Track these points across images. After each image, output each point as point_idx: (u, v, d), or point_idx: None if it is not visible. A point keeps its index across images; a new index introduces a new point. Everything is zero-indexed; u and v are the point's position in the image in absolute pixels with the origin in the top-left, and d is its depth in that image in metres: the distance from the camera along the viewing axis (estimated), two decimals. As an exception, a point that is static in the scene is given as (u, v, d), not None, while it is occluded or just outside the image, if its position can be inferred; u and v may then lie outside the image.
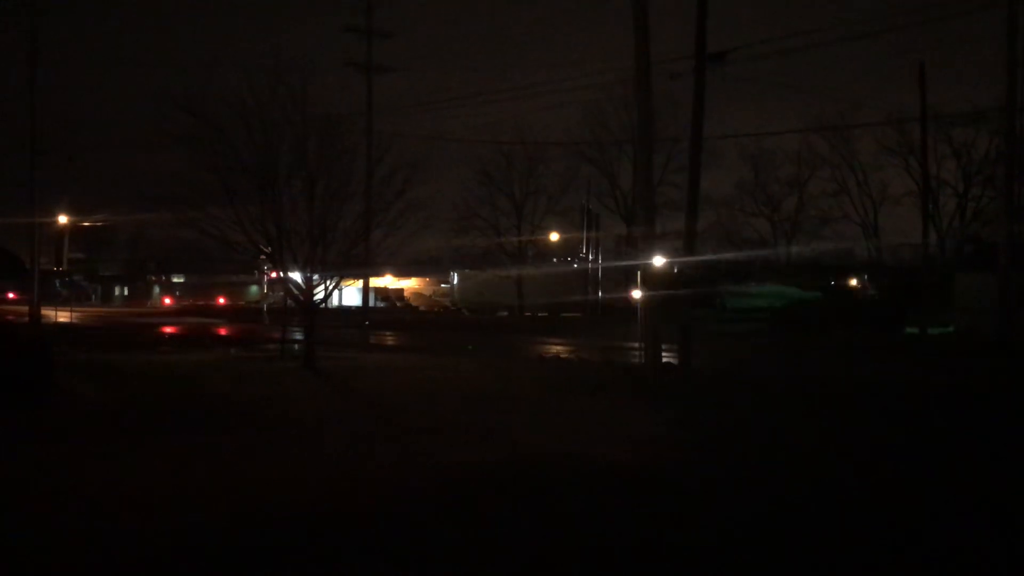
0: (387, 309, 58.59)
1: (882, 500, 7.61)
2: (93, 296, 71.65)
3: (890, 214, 49.52)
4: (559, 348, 25.01)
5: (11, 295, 55.73)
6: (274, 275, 23.87)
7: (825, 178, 52.68)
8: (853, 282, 49.20)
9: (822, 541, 6.43)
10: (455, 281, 56.37)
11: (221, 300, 59.35)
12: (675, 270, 22.77)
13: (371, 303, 47.09)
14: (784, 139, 62.41)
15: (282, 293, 23.75)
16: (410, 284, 65.82)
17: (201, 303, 57.67)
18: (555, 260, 53.48)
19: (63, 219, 50.82)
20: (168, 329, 34.04)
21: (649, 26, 19.24)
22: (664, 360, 18.11)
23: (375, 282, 51.51)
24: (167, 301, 67.36)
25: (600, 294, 49.01)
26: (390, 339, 28.61)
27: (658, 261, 19.41)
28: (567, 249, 54.87)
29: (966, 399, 14.24)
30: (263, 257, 21.15)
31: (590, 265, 50.25)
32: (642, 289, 18.81)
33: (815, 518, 7.04)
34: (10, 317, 23.08)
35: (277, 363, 20.12)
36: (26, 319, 27.75)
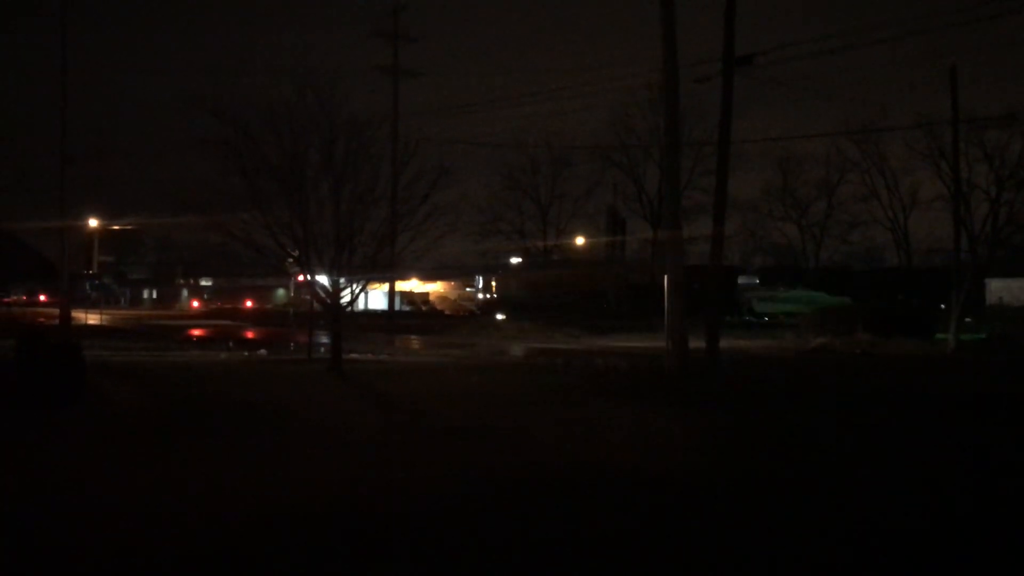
0: (412, 313, 58.74)
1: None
2: (122, 299, 72.44)
3: (921, 219, 49.07)
4: (587, 346, 24.96)
5: (42, 297, 56.38)
6: (301, 279, 24.00)
7: (854, 182, 52.20)
8: (883, 287, 48.70)
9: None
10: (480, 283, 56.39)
11: (248, 303, 59.77)
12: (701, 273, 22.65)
13: (397, 307, 47.22)
14: (813, 143, 62.02)
15: (309, 296, 23.85)
16: (435, 288, 65.96)
17: (229, 307, 58.10)
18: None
19: (93, 223, 51.45)
20: (196, 332, 34.31)
21: (676, 29, 19.20)
22: (690, 361, 18.05)
23: (401, 286, 51.65)
24: (195, 304, 67.96)
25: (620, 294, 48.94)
26: (416, 342, 28.65)
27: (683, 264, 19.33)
28: (592, 253, 54.74)
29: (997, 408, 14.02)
30: (290, 261, 21.26)
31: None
32: (668, 293, 18.71)
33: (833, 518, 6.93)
34: (41, 319, 23.33)
35: (304, 366, 20.20)
36: (56, 321, 28.03)
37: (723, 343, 20.14)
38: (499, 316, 44.59)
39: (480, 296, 57.24)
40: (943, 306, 30.49)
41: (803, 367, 20.23)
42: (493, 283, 56.13)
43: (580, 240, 54.37)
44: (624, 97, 64.20)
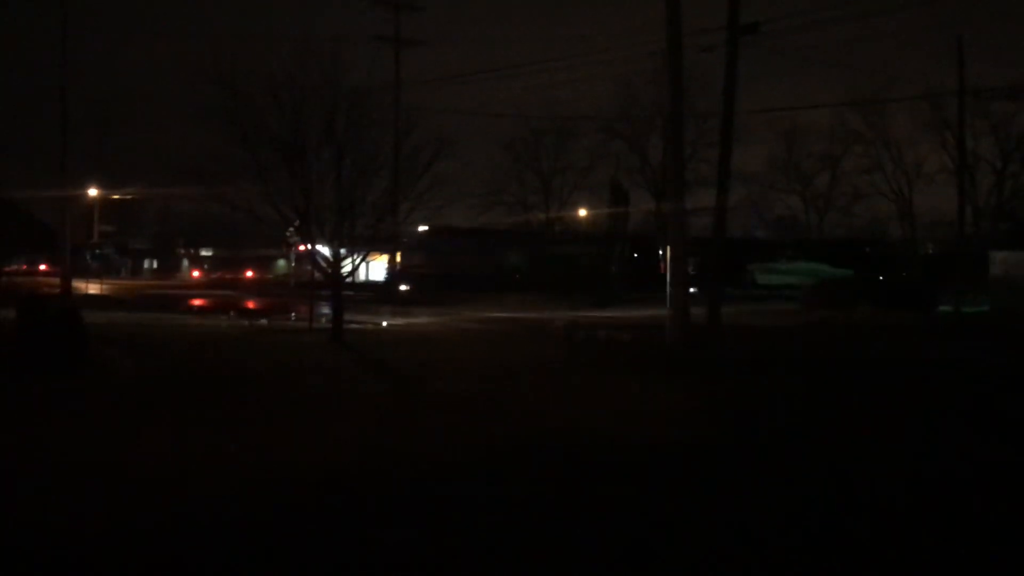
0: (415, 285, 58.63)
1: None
2: (123, 269, 72.36)
3: (925, 191, 48.59)
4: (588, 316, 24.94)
5: (43, 267, 56.22)
6: (302, 249, 23.94)
7: (859, 154, 51.84)
8: (886, 260, 48.58)
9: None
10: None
11: (249, 274, 59.73)
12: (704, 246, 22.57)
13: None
14: (817, 114, 61.67)
15: (310, 267, 23.80)
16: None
17: (230, 277, 58.05)
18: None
19: (93, 192, 51.27)
20: (198, 302, 34.30)
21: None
22: (692, 332, 18.05)
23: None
24: (196, 274, 67.92)
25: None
26: (418, 313, 28.62)
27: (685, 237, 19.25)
28: (596, 225, 54.53)
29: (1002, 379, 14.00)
30: (291, 231, 21.21)
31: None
32: (671, 264, 18.65)
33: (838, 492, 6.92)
34: (42, 289, 23.30)
35: (305, 336, 20.19)
36: (57, 291, 28.01)
37: (725, 314, 20.12)
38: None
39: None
40: (947, 279, 30.42)
41: (803, 338, 20.22)
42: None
43: (583, 212, 54.16)
44: (628, 67, 63.70)
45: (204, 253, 72.68)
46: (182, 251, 75.16)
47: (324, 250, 19.74)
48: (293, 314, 26.21)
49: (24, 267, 56.76)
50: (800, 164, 54.68)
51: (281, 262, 59.47)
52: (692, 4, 19.61)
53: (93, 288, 36.09)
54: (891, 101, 46.26)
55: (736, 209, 42.86)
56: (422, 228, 36.97)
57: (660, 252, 20.25)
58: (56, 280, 29.53)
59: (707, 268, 20.89)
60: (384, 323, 24.90)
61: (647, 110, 47.96)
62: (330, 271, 19.50)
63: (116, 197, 55.25)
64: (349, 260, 19.63)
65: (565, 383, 13.14)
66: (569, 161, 52.64)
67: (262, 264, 61.07)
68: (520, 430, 9.39)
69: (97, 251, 49.71)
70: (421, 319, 26.01)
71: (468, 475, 7.54)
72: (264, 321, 23.92)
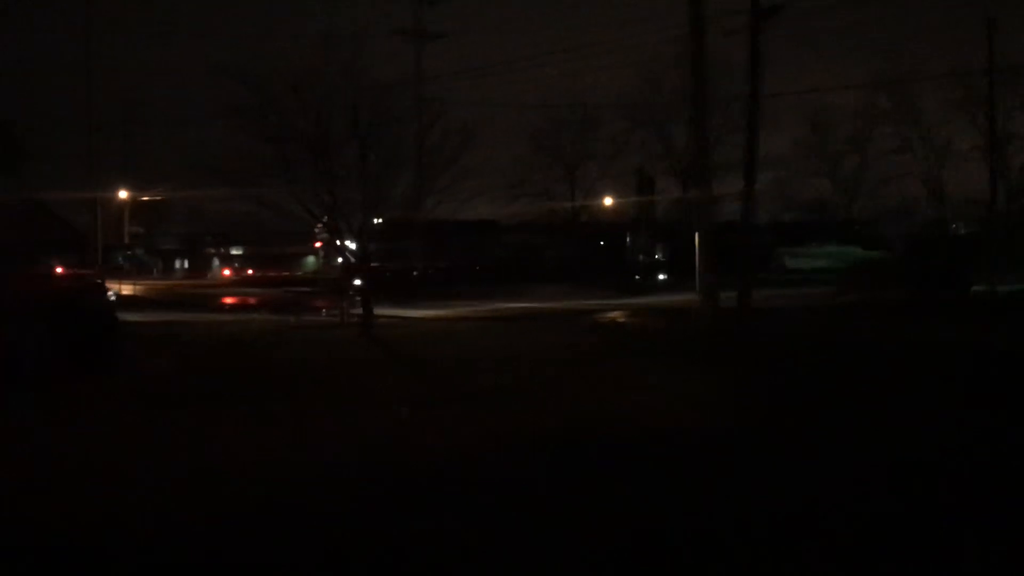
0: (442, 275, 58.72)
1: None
2: (154, 269, 73.15)
3: (956, 170, 47.79)
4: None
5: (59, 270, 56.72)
6: (329, 244, 24.12)
7: (887, 135, 51.11)
8: (917, 241, 47.93)
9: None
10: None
11: (279, 271, 60.13)
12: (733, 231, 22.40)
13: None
14: (844, 96, 60.86)
15: (338, 262, 23.95)
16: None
17: (259, 274, 58.49)
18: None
19: (123, 194, 51.87)
20: (229, 300, 34.60)
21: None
22: (722, 318, 17.97)
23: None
24: (226, 273, 68.47)
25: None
26: (445, 304, 28.68)
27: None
28: (622, 213, 54.24)
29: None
30: (319, 227, 21.39)
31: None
32: (699, 250, 18.58)
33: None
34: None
35: (336, 330, 20.32)
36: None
37: (755, 299, 19.99)
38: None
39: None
40: (980, 258, 29.99)
41: (835, 321, 20.02)
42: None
43: (608, 200, 53.92)
44: (651, 53, 63.18)
45: (234, 252, 73.23)
46: (212, 250, 75.78)
47: (351, 245, 19.89)
48: (324, 309, 26.36)
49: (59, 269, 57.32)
50: (827, 146, 54.03)
51: (311, 259, 59.81)
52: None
53: (126, 289, 36.52)
54: (919, 80, 45.61)
55: (764, 193, 42.49)
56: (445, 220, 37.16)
57: (687, 239, 20.08)
58: (89, 282, 29.86)
59: (736, 253, 20.72)
60: (413, 316, 24.98)
61: (671, 96, 47.58)
62: (358, 265, 19.64)
63: (146, 198, 55.84)
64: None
65: (597, 371, 13.12)
66: (594, 150, 52.36)
67: (291, 261, 61.44)
68: (554, 420, 9.38)
69: (128, 252, 50.28)
70: (449, 311, 26.06)
71: (502, 467, 7.55)
72: (295, 318, 24.08)
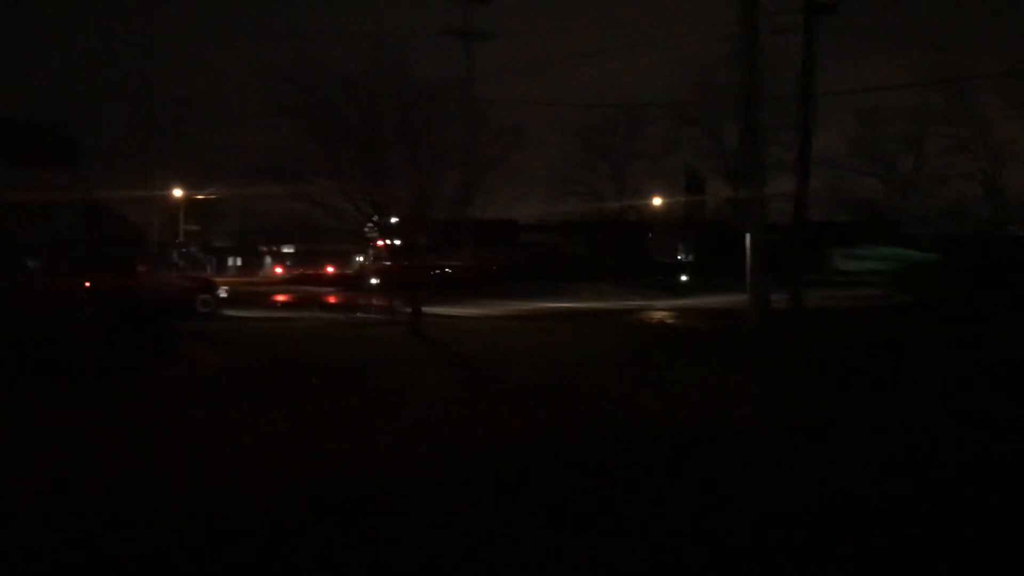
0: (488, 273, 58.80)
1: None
2: (208, 267, 74.41)
3: (1016, 170, 46.70)
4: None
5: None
6: (380, 243, 24.29)
7: (943, 134, 50.05)
8: (973, 242, 46.82)
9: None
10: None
11: (329, 269, 60.80)
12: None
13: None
14: (899, 94, 59.80)
15: (388, 260, 24.12)
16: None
17: (310, 272, 59.17)
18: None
19: (178, 193, 52.83)
20: (280, 297, 35.04)
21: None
22: (773, 320, 17.75)
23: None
24: (278, 271, 69.37)
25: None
26: (495, 302, 28.74)
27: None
28: (671, 212, 53.81)
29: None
30: (370, 226, 21.58)
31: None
32: (750, 251, 18.37)
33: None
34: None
35: (384, 328, 20.47)
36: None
37: (806, 300, 19.71)
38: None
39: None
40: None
41: (888, 322, 19.66)
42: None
43: (657, 200, 53.55)
44: (701, 51, 62.57)
45: (285, 250, 74.20)
46: (264, 249, 76.85)
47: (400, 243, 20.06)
48: (373, 307, 26.58)
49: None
50: (881, 146, 53.02)
51: (360, 256, 60.30)
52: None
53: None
54: (976, 78, 44.60)
55: (815, 193, 41.85)
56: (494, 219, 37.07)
57: (738, 238, 19.87)
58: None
59: (787, 254, 20.44)
60: (460, 314, 25.06)
61: (721, 94, 47.07)
62: (407, 263, 19.77)
63: (200, 197, 56.80)
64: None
65: (646, 371, 13.06)
66: (642, 148, 52.00)
67: (341, 259, 62.07)
68: (603, 420, 9.36)
69: (182, 250, 51.21)
70: (496, 309, 26.10)
71: (548, 468, 7.54)
72: (342, 316, 24.31)
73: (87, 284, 19.66)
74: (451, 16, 39.38)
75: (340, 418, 9.64)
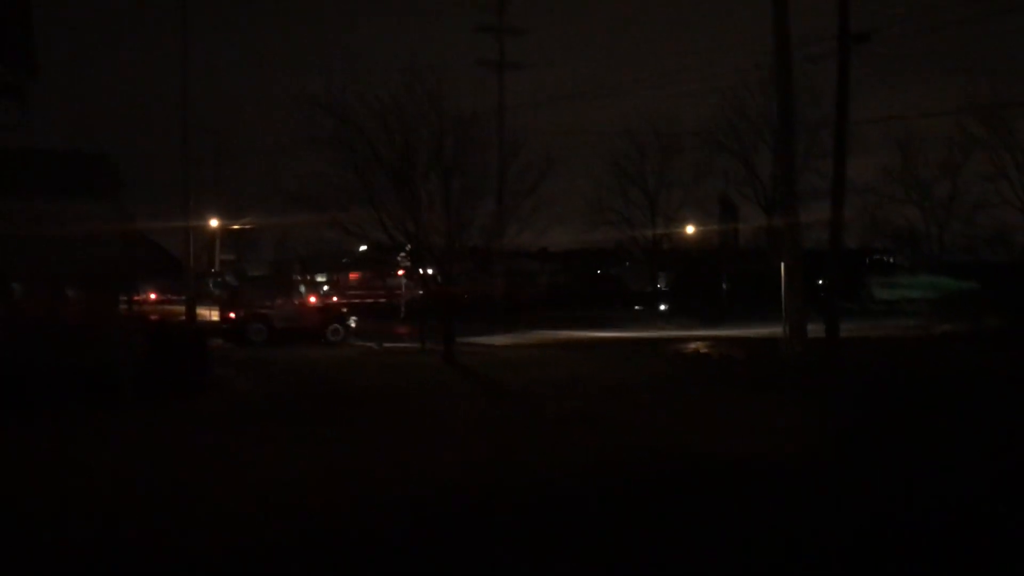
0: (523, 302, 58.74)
1: None
2: (242, 295, 74.97)
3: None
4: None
5: (152, 296, 58.47)
6: (413, 272, 24.44)
7: (981, 161, 49.48)
8: (1014, 271, 46.03)
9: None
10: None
11: (362, 297, 61.02)
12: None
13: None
14: (935, 121, 59.23)
15: (420, 288, 24.23)
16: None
17: (343, 301, 59.47)
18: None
19: (215, 222, 53.56)
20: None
21: (788, 5, 18.60)
22: (809, 349, 17.54)
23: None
24: (312, 300, 69.80)
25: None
26: (525, 330, 28.70)
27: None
28: (704, 240, 53.54)
29: None
30: (403, 255, 21.72)
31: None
32: (785, 279, 18.21)
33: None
34: (154, 317, 24.55)
35: (417, 357, 20.51)
36: (183, 318, 29.29)
37: (842, 330, 19.43)
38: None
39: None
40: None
41: (926, 353, 19.33)
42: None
43: (690, 228, 53.36)
44: (734, 79, 62.41)
45: (319, 279, 74.83)
46: (298, 277, 77.51)
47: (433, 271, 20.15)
48: (406, 335, 26.64)
49: (152, 295, 59.22)
50: (917, 173, 52.51)
51: (393, 284, 60.52)
52: (798, 10, 19.22)
53: (216, 315, 37.51)
54: (1014, 105, 44.08)
55: (851, 221, 41.60)
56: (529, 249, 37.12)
57: (773, 267, 19.80)
58: (181, 308, 30.84)
59: (823, 282, 20.24)
60: (494, 343, 25.05)
61: (754, 122, 46.94)
62: (440, 292, 19.83)
63: (236, 227, 57.51)
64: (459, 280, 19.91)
65: (681, 401, 12.95)
66: (675, 176, 51.90)
67: (375, 287, 62.32)
68: (636, 450, 9.28)
69: (218, 278, 51.77)
70: (529, 338, 26.06)
71: (583, 500, 7.48)
72: (376, 344, 24.38)
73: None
74: (485, 47, 39.74)
75: (377, 448, 9.64)
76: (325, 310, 27.97)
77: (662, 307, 43.76)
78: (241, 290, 31.88)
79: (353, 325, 26.04)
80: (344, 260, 46.10)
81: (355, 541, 6.16)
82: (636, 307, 44.83)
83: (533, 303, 39.49)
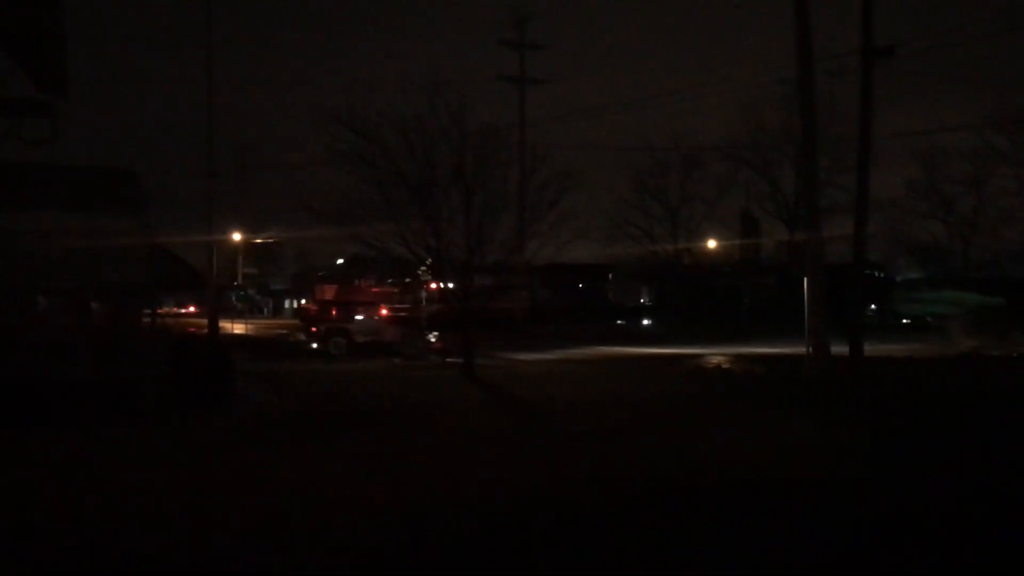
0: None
1: None
2: (265, 309, 75.55)
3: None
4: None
5: (192, 308, 59.11)
6: (433, 285, 24.47)
7: (1005, 176, 49.07)
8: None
9: None
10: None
11: (383, 311, 61.19)
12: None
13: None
14: (959, 135, 58.80)
15: (441, 303, 24.27)
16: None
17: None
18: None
19: (237, 236, 53.98)
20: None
21: (810, 20, 18.56)
22: (832, 366, 17.38)
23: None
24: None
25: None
26: (541, 345, 28.66)
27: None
28: (725, 256, 53.38)
29: None
30: (423, 269, 21.76)
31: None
32: (808, 295, 18.08)
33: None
34: (191, 329, 24.67)
35: (436, 371, 20.51)
36: (205, 331, 29.51)
37: (865, 347, 19.26)
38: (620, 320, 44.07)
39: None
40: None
41: (951, 370, 19.10)
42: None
43: (712, 243, 53.20)
44: (756, 94, 62.47)
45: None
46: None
47: (453, 286, 20.19)
48: (427, 350, 26.61)
49: (175, 309, 59.64)
50: (941, 188, 52.09)
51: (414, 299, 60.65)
52: (821, 26, 19.18)
53: (238, 328, 37.79)
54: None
55: (874, 236, 41.27)
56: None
57: (795, 282, 19.68)
58: (204, 321, 31.07)
59: (846, 298, 20.08)
60: (513, 358, 25.03)
61: (776, 136, 46.84)
62: (460, 307, 19.85)
63: (258, 241, 57.93)
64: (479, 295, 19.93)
65: (702, 418, 12.85)
66: (696, 191, 51.87)
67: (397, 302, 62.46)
68: (660, 468, 9.19)
69: (241, 292, 52.13)
70: (548, 354, 26.00)
71: (604, 518, 7.44)
72: (397, 360, 24.40)
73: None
74: (507, 61, 39.94)
75: (399, 462, 9.62)
76: (405, 323, 27.69)
77: (657, 322, 43.45)
78: (322, 304, 31.93)
79: (433, 340, 24.99)
80: (321, 273, 46.03)
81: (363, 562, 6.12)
82: (620, 321, 44.31)
83: (556, 317, 39.38)
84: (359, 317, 27.26)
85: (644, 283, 51.49)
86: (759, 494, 7.95)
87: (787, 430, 11.54)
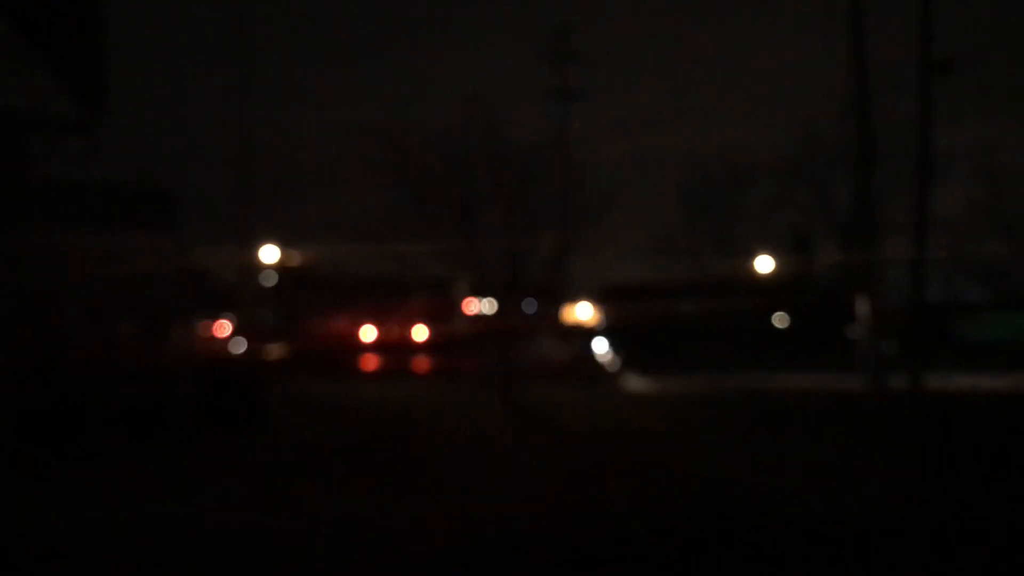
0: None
1: None
2: (302, 330, 75.74)
3: None
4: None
5: (227, 327, 59.11)
6: (471, 305, 24.03)
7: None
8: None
9: None
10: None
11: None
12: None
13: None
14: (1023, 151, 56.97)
15: (480, 324, 23.76)
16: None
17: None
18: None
19: (274, 255, 54.19)
20: (369, 359, 34.92)
21: (866, 35, 17.84)
22: (890, 396, 16.49)
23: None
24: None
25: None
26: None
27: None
28: (776, 276, 52.15)
29: None
30: (462, 287, 21.37)
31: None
32: (863, 319, 17.24)
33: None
34: (226, 352, 24.57)
35: (475, 395, 19.96)
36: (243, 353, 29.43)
37: (927, 375, 18.25)
38: None
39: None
40: None
41: (1020, 401, 18.01)
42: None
43: (762, 262, 52.05)
44: (809, 108, 61.01)
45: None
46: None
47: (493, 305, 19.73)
48: (464, 372, 26.10)
49: (212, 329, 59.73)
50: (1006, 207, 50.34)
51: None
52: (877, 39, 18.44)
53: (276, 350, 37.71)
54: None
55: (935, 258, 40.01)
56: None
57: (851, 306, 18.77)
58: (238, 341, 30.96)
59: (906, 323, 19.13)
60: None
61: (831, 152, 45.72)
62: (499, 327, 19.36)
63: (295, 264, 57.89)
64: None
65: (752, 450, 12.15)
66: (746, 208, 50.77)
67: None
68: (705, 502, 8.67)
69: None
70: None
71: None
72: (432, 382, 23.93)
73: None
74: (550, 76, 39.50)
75: (434, 492, 9.15)
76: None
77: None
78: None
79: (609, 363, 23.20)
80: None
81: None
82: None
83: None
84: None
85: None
86: (815, 531, 7.25)
87: (840, 464, 10.80)
